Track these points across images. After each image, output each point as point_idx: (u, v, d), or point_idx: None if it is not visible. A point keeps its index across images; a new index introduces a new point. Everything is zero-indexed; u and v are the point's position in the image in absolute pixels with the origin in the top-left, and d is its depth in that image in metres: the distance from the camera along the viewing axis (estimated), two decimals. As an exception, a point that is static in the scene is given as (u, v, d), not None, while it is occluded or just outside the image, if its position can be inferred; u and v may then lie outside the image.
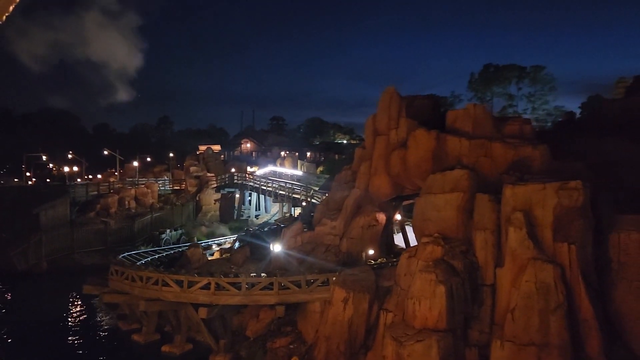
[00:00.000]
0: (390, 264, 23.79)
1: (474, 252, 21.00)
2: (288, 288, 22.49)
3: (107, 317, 29.99)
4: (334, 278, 22.26)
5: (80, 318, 30.67)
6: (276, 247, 28.25)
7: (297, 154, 77.84)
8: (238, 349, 23.89)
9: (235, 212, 59.14)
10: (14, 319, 30.07)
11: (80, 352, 25.24)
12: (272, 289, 22.51)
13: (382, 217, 27.53)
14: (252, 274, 25.81)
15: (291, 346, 22.82)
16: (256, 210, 59.03)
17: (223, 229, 53.13)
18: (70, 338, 26.95)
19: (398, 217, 30.74)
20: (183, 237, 48.66)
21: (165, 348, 24.51)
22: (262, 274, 24.66)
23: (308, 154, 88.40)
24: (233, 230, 50.51)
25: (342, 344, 21.13)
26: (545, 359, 17.61)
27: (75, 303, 33.62)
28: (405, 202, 29.41)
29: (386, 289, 22.21)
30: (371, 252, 26.68)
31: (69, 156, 67.07)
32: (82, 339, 26.93)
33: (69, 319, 30.38)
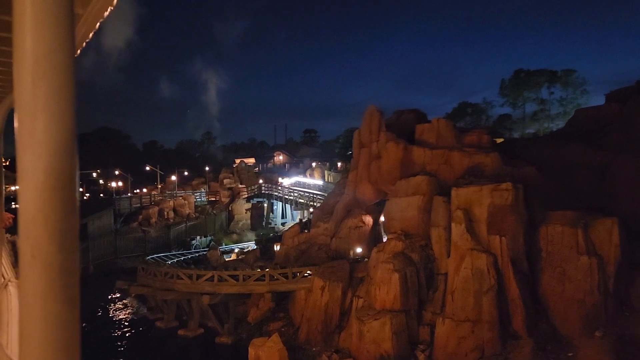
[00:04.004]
0: (366, 259, 27.53)
1: (431, 246, 24.61)
2: (277, 279, 26.70)
3: (138, 310, 35.12)
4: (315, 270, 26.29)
5: (118, 311, 35.98)
6: (276, 247, 32.55)
7: (327, 164, 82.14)
8: (240, 332, 28.24)
9: (264, 220, 63.90)
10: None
11: (116, 335, 30.36)
12: (264, 280, 26.78)
13: (368, 219, 31.29)
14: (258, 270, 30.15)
15: (282, 329, 26.93)
16: (282, 218, 63.54)
17: (251, 236, 57.91)
18: (109, 326, 32.15)
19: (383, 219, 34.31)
20: (212, 243, 53.72)
21: (181, 332, 29.18)
22: (257, 269, 28.98)
23: (339, 164, 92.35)
24: (259, 237, 55.16)
25: (319, 325, 25.12)
26: (477, 332, 21.06)
27: (115, 300, 39.01)
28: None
29: (360, 279, 26.05)
30: (359, 250, 30.44)
31: (116, 172, 74.04)
32: (118, 326, 32.10)
33: (110, 312, 35.74)
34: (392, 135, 29.68)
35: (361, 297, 25.00)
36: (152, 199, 63.21)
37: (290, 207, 60.17)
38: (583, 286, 20.38)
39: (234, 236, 59.14)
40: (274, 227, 62.25)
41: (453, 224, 22.70)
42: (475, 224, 22.57)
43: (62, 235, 0.95)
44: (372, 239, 32.06)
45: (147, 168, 72.49)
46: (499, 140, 47.80)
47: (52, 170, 0.95)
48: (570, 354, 19.67)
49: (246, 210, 65.36)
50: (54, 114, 0.95)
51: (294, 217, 64.38)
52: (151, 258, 37.32)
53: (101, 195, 76.30)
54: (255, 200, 65.44)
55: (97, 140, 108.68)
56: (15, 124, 0.96)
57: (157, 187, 71.62)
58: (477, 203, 22.68)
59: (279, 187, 63.88)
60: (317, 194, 52.33)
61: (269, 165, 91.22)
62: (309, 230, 33.91)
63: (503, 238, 21.76)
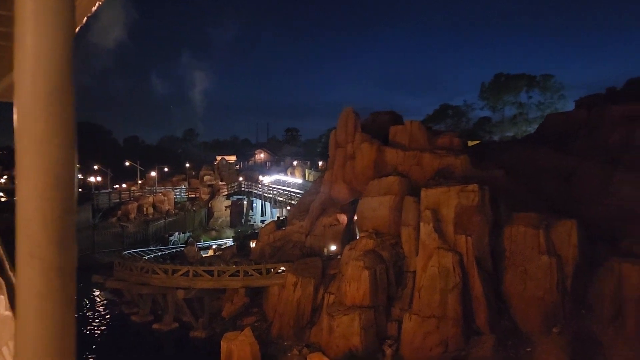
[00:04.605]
0: (339, 256, 28.20)
1: (401, 245, 25.35)
2: (252, 275, 27.22)
3: (114, 304, 35.34)
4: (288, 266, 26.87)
5: (96, 305, 36.13)
6: (252, 244, 33.07)
7: (308, 163, 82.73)
8: (214, 326, 28.68)
9: (244, 217, 64.26)
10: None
11: (91, 328, 30.58)
12: (238, 276, 27.29)
13: (343, 217, 31.96)
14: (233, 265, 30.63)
15: (256, 324, 27.46)
16: (261, 215, 63.98)
17: (229, 233, 58.25)
18: (85, 319, 32.31)
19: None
20: (190, 239, 53.99)
21: (156, 326, 29.52)
22: (233, 265, 29.47)
23: (320, 163, 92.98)
24: (237, 234, 55.52)
25: (291, 320, 25.71)
26: (442, 327, 21.84)
27: (93, 295, 39.13)
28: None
29: (332, 276, 26.69)
30: (333, 247, 31.08)
31: (95, 167, 73.67)
32: (94, 320, 32.29)
33: (88, 307, 35.87)
34: (366, 136, 30.39)
35: (332, 294, 25.63)
36: (132, 194, 63.20)
37: (270, 205, 60.65)
38: (543, 285, 21.28)
39: (213, 233, 59.42)
40: (253, 224, 62.61)
41: (422, 224, 23.47)
42: (443, 224, 23.35)
43: (60, 234, 0.94)
44: (347, 237, 32.71)
45: (127, 164, 72.26)
46: (474, 143, 48.95)
47: (52, 169, 0.94)
48: (528, 349, 20.55)
49: (226, 207, 65.64)
50: (54, 113, 0.94)
51: (273, 214, 64.75)
52: (128, 253, 37.53)
53: (80, 189, 75.84)
54: (235, 197, 65.75)
55: (78, 134, 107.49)
56: (15, 123, 0.95)
57: (137, 183, 71.46)
58: (445, 203, 23.48)
59: (259, 185, 64.34)
60: (296, 193, 52.91)
61: (250, 163, 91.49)
62: (285, 228, 34.46)
63: (469, 238, 22.58)
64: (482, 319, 21.81)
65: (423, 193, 24.14)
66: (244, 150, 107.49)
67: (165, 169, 77.78)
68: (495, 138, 70.22)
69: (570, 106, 65.20)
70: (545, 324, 20.91)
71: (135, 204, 60.16)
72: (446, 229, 23.22)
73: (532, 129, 69.16)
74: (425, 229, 23.23)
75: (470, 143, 53.62)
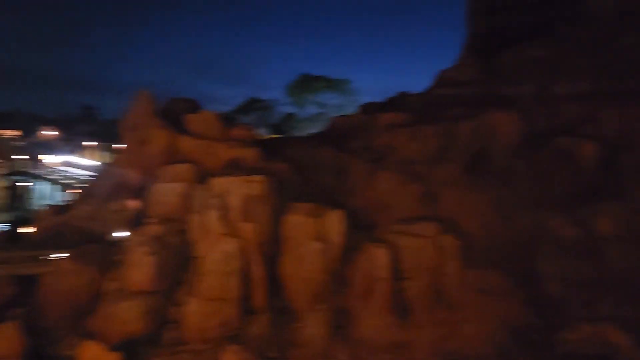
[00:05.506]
0: (126, 242, 27.65)
1: (189, 231, 25.95)
2: (22, 262, 25.14)
3: None
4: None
5: None
6: (29, 229, 30.40)
7: (108, 144, 77.38)
8: (-26, 320, 25.71)
9: (23, 200, 57.88)
10: None
11: None
12: (7, 264, 24.95)
13: (133, 203, 31.20)
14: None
15: (27, 314, 25.33)
16: (45, 199, 58.38)
17: (5, 217, 51.95)
18: None
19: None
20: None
21: None
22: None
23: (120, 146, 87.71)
24: (14, 219, 49.81)
25: (67, 309, 24.51)
26: (223, 309, 23.19)
27: None
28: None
29: (116, 262, 26.07)
30: (121, 234, 30.15)
31: None
32: None
33: None
34: (161, 121, 30.14)
35: (115, 280, 25.12)
36: None
37: (56, 187, 55.78)
38: (313, 267, 23.99)
39: (-19, 216, 52.44)
40: (34, 209, 56.81)
41: (210, 211, 24.44)
42: (229, 212, 24.66)
43: None
44: (136, 223, 32.10)
45: None
46: (273, 136, 51.63)
47: None
48: (298, 325, 23.09)
49: (2, 188, 58.37)
50: None
51: (59, 198, 59.67)
52: None
53: None
54: (15, 178, 58.87)
55: None
56: None
57: None
58: (232, 192, 24.82)
59: (45, 166, 58.60)
60: (86, 175, 49.62)
61: (37, 140, 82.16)
62: (68, 212, 32.29)
63: (252, 225, 24.31)
64: (259, 300, 23.73)
65: (213, 182, 25.14)
66: (31, 126, 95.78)
67: None
68: (300, 134, 74.73)
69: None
70: (313, 302, 23.65)
71: None
72: (233, 217, 24.58)
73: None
74: (213, 216, 24.27)
75: (273, 136, 56.46)
